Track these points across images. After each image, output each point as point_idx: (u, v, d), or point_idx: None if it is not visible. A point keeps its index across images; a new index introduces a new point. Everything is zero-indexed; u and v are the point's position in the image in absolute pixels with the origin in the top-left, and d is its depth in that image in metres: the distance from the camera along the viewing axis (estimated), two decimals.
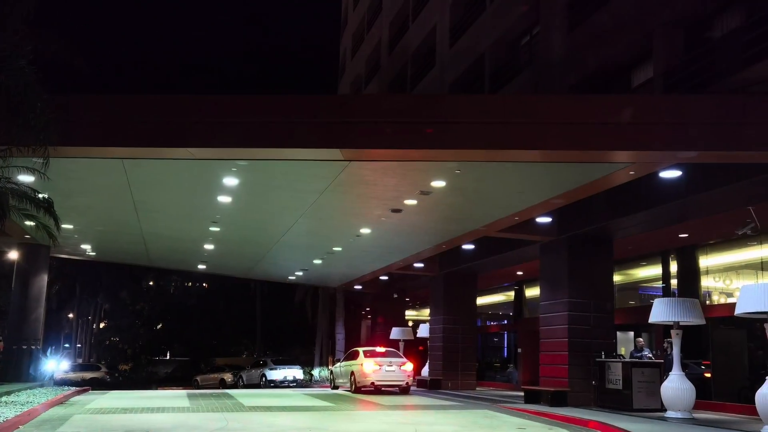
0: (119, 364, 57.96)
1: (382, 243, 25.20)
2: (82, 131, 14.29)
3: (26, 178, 15.39)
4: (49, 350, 40.59)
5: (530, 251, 22.85)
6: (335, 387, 29.26)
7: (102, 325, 70.34)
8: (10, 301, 28.77)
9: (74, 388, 26.20)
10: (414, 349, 34.94)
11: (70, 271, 58.24)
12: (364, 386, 25.49)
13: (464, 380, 29.36)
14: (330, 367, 34.48)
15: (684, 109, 13.68)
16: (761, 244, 18.70)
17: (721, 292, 20.43)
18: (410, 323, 41.35)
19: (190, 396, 23.81)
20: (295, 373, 37.67)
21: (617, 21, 18.48)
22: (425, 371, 30.87)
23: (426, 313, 37.31)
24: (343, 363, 28.39)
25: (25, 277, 27.83)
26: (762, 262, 18.82)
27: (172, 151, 14.82)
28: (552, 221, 20.43)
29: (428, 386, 28.97)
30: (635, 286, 24.81)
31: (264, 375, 37.71)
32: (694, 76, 15.32)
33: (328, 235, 24.94)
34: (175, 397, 23.85)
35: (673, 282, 21.64)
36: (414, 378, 27.79)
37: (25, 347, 27.09)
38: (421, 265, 29.80)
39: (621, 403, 18.57)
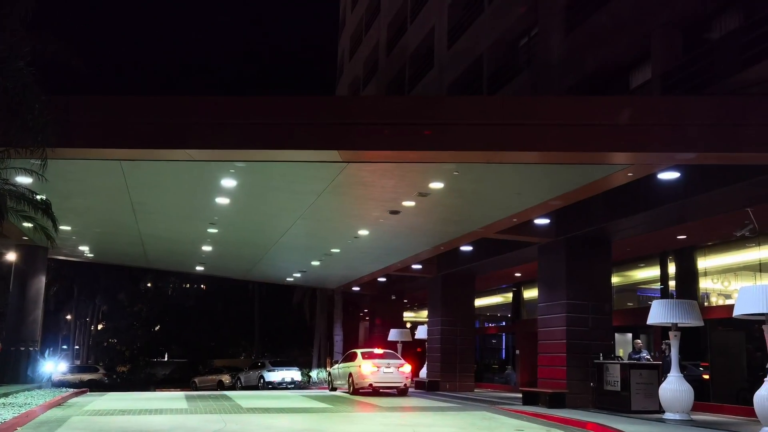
0: (117, 366, 57.97)
1: (380, 244, 25.19)
2: (81, 132, 14.25)
3: (24, 180, 15.37)
4: (47, 352, 40.65)
5: (528, 253, 22.85)
6: (333, 389, 29.24)
7: (100, 326, 70.31)
8: (8, 303, 28.72)
9: (72, 389, 26.16)
10: (412, 351, 34.92)
11: (68, 273, 58.21)
12: (362, 388, 25.47)
13: (462, 382, 29.34)
14: (328, 369, 34.46)
15: (683, 110, 13.68)
16: (759, 245, 18.70)
17: (719, 294, 20.43)
18: (408, 325, 41.36)
19: (188, 398, 23.79)
20: (293, 374, 37.65)
21: (616, 22, 18.48)
22: (423, 373, 30.85)
23: (424, 314, 37.29)
24: (341, 365, 28.38)
25: (22, 279, 27.81)
26: (760, 264, 18.82)
27: (170, 153, 14.80)
28: (550, 223, 20.44)
29: (426, 388, 28.96)
30: (634, 288, 24.80)
31: (262, 376, 37.69)
32: (692, 77, 15.31)
33: (327, 236, 24.92)
34: (173, 398, 23.82)
35: (672, 283, 21.65)
36: (412, 380, 27.76)
37: (23, 349, 27.05)
38: (419, 266, 29.80)
39: (619, 404, 18.57)
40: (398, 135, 13.87)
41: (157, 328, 64.70)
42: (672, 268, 21.74)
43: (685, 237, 19.80)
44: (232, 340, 63.13)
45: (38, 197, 15.86)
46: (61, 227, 18.31)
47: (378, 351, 27.23)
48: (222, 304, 60.81)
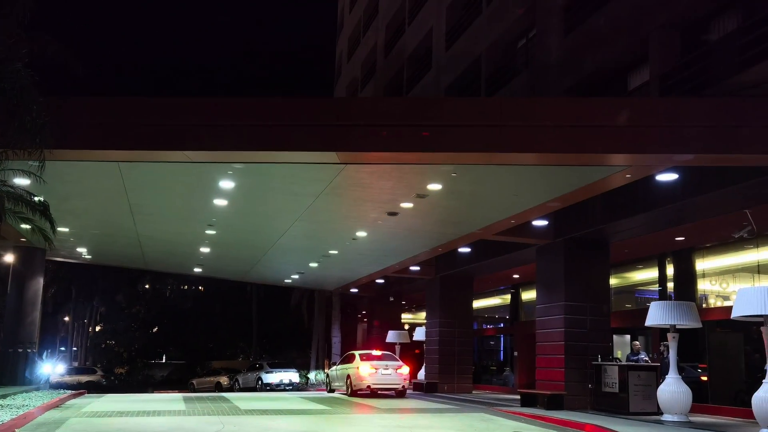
0: (115, 368, 57.85)
1: (378, 246, 25.19)
2: (78, 134, 14.24)
3: (22, 181, 15.35)
4: (45, 353, 40.60)
5: (527, 254, 22.85)
6: (331, 390, 29.23)
7: (98, 328, 70.21)
8: (6, 305, 28.73)
9: (70, 391, 26.14)
10: (410, 353, 34.94)
11: (65, 275, 58.13)
12: (361, 389, 25.46)
13: (460, 383, 29.31)
14: (326, 371, 34.44)
15: (681, 111, 13.69)
16: (758, 247, 18.71)
17: (717, 296, 20.43)
18: (406, 326, 41.32)
19: (186, 399, 23.76)
20: (292, 376, 37.59)
21: (614, 24, 18.48)
22: (421, 374, 30.84)
23: (422, 316, 37.29)
24: (340, 366, 28.36)
25: (20, 281, 27.81)
26: (759, 265, 18.83)
27: (168, 154, 14.79)
28: (549, 224, 20.44)
29: (424, 389, 28.94)
30: (632, 290, 24.80)
31: (260, 378, 37.65)
32: (690, 78, 15.32)
33: (325, 238, 24.92)
34: (171, 400, 23.79)
35: (670, 285, 21.65)
36: (410, 381, 27.76)
37: (21, 350, 27.07)
38: (417, 268, 29.80)
39: (617, 406, 18.57)
40: (396, 136, 13.87)
41: (155, 329, 64.54)
42: (670, 270, 21.75)
43: (683, 238, 19.81)
44: (230, 341, 62.99)
45: (36, 199, 15.85)
46: (59, 229, 18.30)
47: (376, 353, 27.22)
48: (220, 306, 60.70)
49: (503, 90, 24.55)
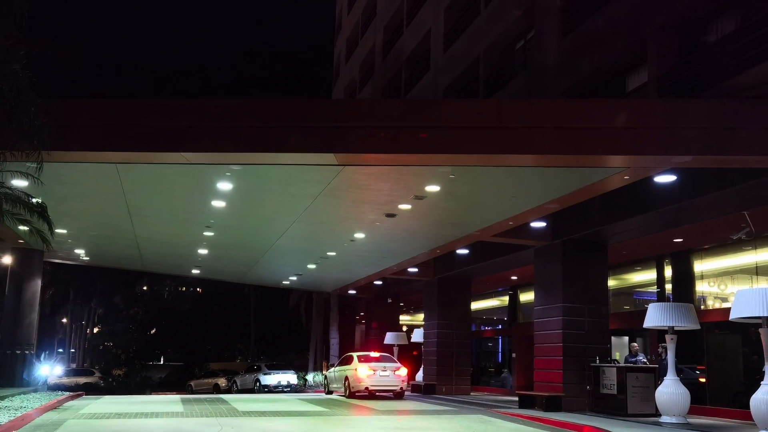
0: (113, 369, 57.73)
1: (376, 248, 25.18)
2: (76, 135, 14.24)
3: (20, 183, 15.33)
4: (42, 355, 40.52)
5: (525, 256, 22.85)
6: (329, 392, 29.21)
7: (96, 329, 70.14)
8: (4, 306, 28.68)
9: (68, 393, 26.14)
10: (408, 354, 34.93)
11: (63, 276, 58.08)
12: (359, 391, 25.44)
13: (458, 385, 29.31)
14: (324, 372, 34.41)
15: (679, 113, 13.68)
16: (756, 248, 18.72)
17: (715, 297, 20.44)
18: (404, 328, 41.31)
19: (184, 401, 23.73)
20: (289, 378, 37.56)
21: (612, 25, 18.48)
22: (419, 376, 30.83)
23: (420, 317, 37.29)
24: (338, 368, 28.35)
25: (18, 282, 27.78)
26: (757, 267, 18.85)
27: (166, 156, 14.77)
28: (547, 226, 20.44)
29: (422, 391, 28.94)
30: (630, 291, 24.81)
31: (258, 380, 37.61)
32: (689, 80, 15.32)
33: (323, 239, 24.90)
34: (169, 402, 23.76)
35: (668, 287, 21.66)
36: (408, 383, 27.75)
37: (18, 352, 27.03)
38: (415, 269, 29.79)
39: (615, 408, 18.56)
40: (394, 138, 13.86)
41: (152, 331, 64.45)
42: (668, 272, 21.75)
43: (681, 240, 19.81)
44: (228, 343, 62.93)
45: (34, 200, 15.83)
46: (57, 230, 18.25)
47: (374, 354, 27.20)
48: (218, 308, 60.66)
49: (501, 91, 24.56)
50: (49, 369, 36.43)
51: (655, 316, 16.92)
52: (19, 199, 15.28)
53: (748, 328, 17.42)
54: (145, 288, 65.61)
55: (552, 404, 19.47)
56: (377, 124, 14.11)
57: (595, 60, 19.15)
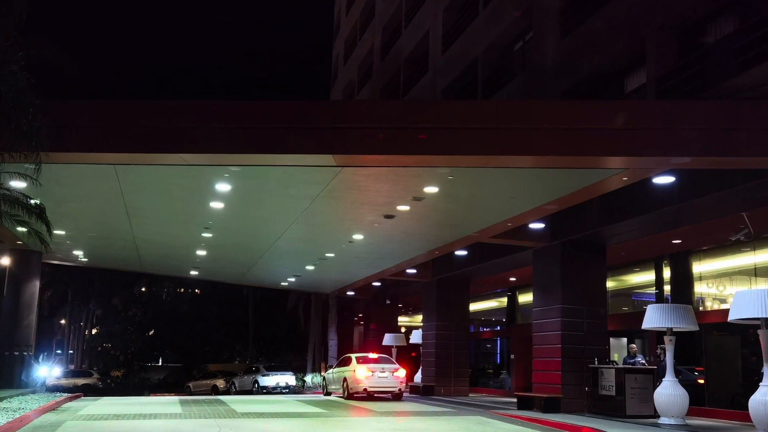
0: (111, 371, 57.70)
1: (374, 249, 25.17)
2: (75, 137, 14.23)
3: (18, 184, 15.32)
4: (41, 356, 40.52)
5: (523, 257, 22.84)
6: (328, 393, 29.18)
7: (94, 331, 70.08)
8: (2, 308, 28.66)
9: (66, 394, 26.11)
10: (407, 356, 34.90)
11: (62, 277, 58.08)
12: (357, 392, 25.42)
13: (457, 386, 29.30)
14: (323, 374, 34.40)
15: (678, 114, 13.68)
16: (755, 250, 18.72)
17: (714, 299, 20.44)
18: (403, 329, 41.32)
19: (182, 402, 23.69)
20: (288, 379, 37.54)
21: (610, 26, 18.48)
22: (418, 377, 30.80)
23: (419, 319, 37.25)
24: (336, 369, 28.33)
25: (17, 283, 27.76)
26: (755, 268, 18.85)
27: (165, 157, 14.77)
28: (545, 227, 20.43)
29: (421, 392, 28.92)
30: (628, 292, 24.81)
31: (256, 381, 37.59)
32: (687, 81, 15.32)
33: (321, 241, 24.90)
34: (167, 403, 23.74)
35: (667, 288, 21.66)
36: (407, 384, 27.72)
37: (17, 353, 27.01)
38: (413, 271, 29.77)
39: (614, 409, 18.55)
40: (393, 139, 13.86)
41: (151, 332, 64.39)
42: (667, 273, 21.75)
43: (680, 241, 19.80)
44: (226, 344, 62.90)
45: (32, 201, 15.83)
46: (55, 232, 18.21)
47: (373, 355, 27.16)
48: (216, 309, 60.62)
49: (500, 93, 24.56)
50: (48, 370, 36.47)
51: (653, 318, 16.90)
52: (18, 200, 15.28)
53: (747, 329, 17.41)
54: (143, 289, 65.58)
55: (550, 405, 19.45)
56: (376, 125, 14.10)
57: (593, 61, 19.15)
